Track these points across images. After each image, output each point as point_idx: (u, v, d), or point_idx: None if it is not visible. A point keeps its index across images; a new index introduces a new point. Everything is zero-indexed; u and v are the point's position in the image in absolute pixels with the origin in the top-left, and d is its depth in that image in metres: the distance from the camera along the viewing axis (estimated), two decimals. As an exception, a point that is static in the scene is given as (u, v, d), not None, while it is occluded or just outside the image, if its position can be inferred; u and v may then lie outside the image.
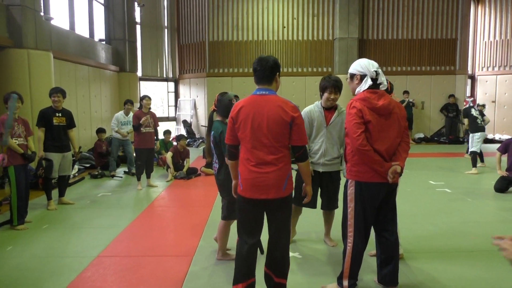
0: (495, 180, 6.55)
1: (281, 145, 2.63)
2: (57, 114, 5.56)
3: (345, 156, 3.00)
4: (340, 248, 3.33)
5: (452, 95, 13.24)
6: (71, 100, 8.93)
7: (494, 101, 13.98)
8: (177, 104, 14.73)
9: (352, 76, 2.98)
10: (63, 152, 5.62)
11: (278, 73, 2.73)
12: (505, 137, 12.63)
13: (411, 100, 12.65)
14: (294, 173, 2.95)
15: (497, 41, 13.96)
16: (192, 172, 7.91)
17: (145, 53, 13.81)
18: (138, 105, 7.82)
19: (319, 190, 3.89)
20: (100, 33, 11.83)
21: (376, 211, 2.96)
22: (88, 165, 8.65)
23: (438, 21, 13.49)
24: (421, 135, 13.30)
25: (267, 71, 2.68)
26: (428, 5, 13.43)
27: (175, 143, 8.42)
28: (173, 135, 10.80)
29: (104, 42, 11.70)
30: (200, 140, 12.95)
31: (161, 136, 8.48)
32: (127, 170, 8.32)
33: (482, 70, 14.40)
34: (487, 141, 12.03)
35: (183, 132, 13.59)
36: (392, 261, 3.02)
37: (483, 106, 12.90)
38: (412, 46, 13.54)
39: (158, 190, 6.85)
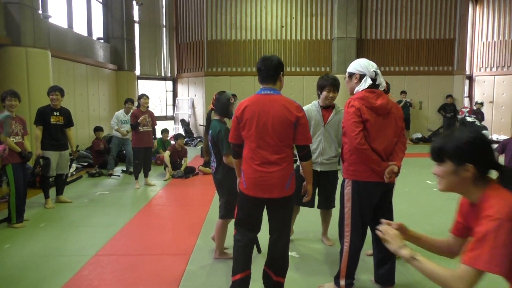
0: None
1: (285, 144, 2.65)
2: (55, 113, 5.56)
3: (343, 155, 3.01)
4: (337, 247, 3.34)
5: (450, 95, 13.26)
6: (69, 98, 8.92)
7: (491, 102, 13.99)
8: (175, 103, 14.70)
9: (351, 75, 2.98)
10: (60, 151, 5.62)
11: (282, 72, 2.74)
12: (502, 137, 12.64)
13: (408, 100, 12.66)
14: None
15: (495, 41, 13.98)
16: (190, 171, 7.91)
17: (143, 51, 13.78)
18: (136, 103, 7.83)
19: (317, 189, 3.90)
20: (98, 31, 11.80)
21: (373, 210, 2.97)
22: (85, 164, 8.64)
23: (436, 21, 13.51)
24: (419, 135, 13.32)
25: (271, 71, 2.69)
26: (426, 5, 13.45)
27: (173, 142, 8.42)
28: (171, 134, 10.80)
29: (102, 41, 11.68)
30: (198, 139, 12.95)
31: (159, 135, 8.48)
32: (124, 169, 8.32)
33: (480, 70, 14.41)
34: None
35: (181, 131, 13.56)
36: (389, 261, 3.03)
37: (481, 104, 12.88)
38: (410, 46, 13.56)
39: (156, 189, 6.85)
